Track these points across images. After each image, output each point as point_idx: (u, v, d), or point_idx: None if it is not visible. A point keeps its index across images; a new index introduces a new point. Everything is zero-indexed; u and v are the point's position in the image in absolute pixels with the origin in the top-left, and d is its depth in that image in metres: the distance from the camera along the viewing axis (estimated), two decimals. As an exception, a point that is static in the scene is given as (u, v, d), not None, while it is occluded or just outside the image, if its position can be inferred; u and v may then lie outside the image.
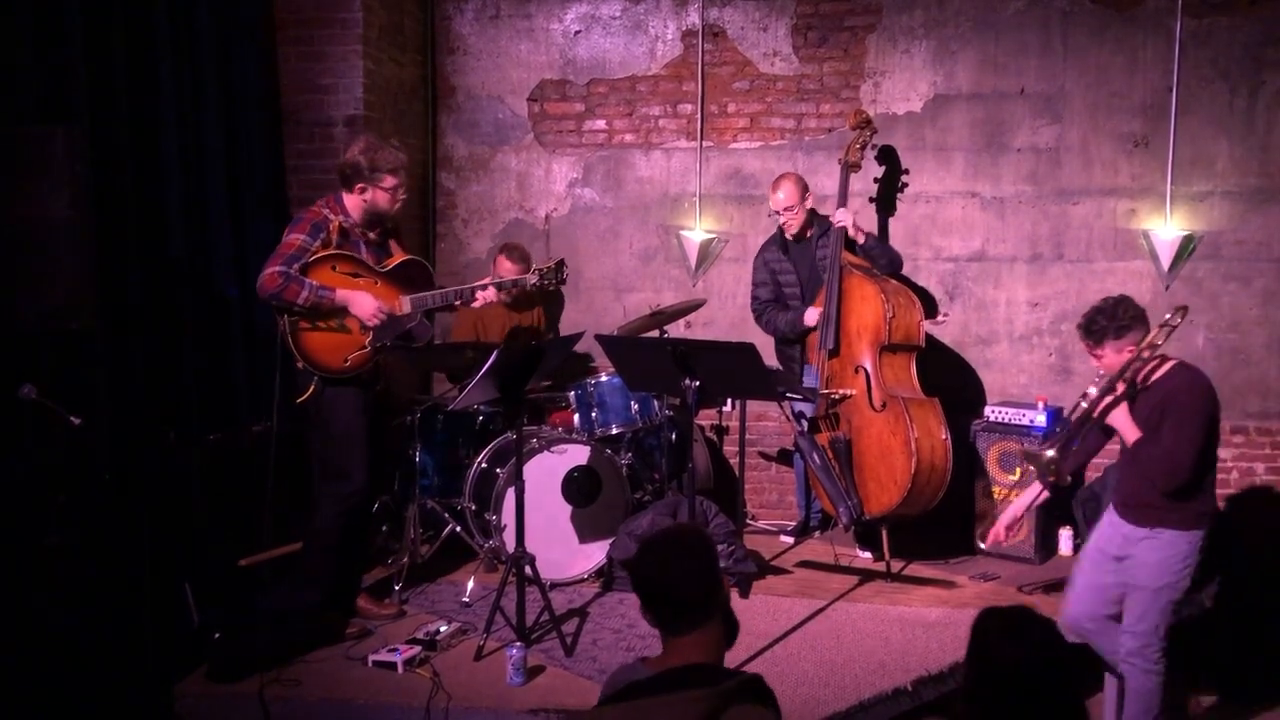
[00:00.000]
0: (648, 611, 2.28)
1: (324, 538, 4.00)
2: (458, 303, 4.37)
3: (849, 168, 5.15)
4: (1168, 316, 3.45)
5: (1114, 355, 3.43)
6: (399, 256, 4.15)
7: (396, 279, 4.09)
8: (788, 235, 5.12)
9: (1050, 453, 3.43)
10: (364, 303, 3.94)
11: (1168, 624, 3.50)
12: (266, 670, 3.65)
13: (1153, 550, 3.46)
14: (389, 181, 4.00)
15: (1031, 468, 3.74)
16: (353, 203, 4.03)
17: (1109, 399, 3.46)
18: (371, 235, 4.08)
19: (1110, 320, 3.42)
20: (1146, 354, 3.40)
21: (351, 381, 4.00)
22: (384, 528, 4.91)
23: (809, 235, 5.10)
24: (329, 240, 3.96)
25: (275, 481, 3.91)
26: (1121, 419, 3.47)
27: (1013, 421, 5.11)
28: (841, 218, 4.98)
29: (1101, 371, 3.50)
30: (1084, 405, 3.47)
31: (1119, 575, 3.54)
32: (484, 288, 4.30)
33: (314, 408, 3.99)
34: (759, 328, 5.28)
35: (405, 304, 4.06)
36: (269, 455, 3.98)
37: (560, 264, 4.44)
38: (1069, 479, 3.70)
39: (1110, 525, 3.60)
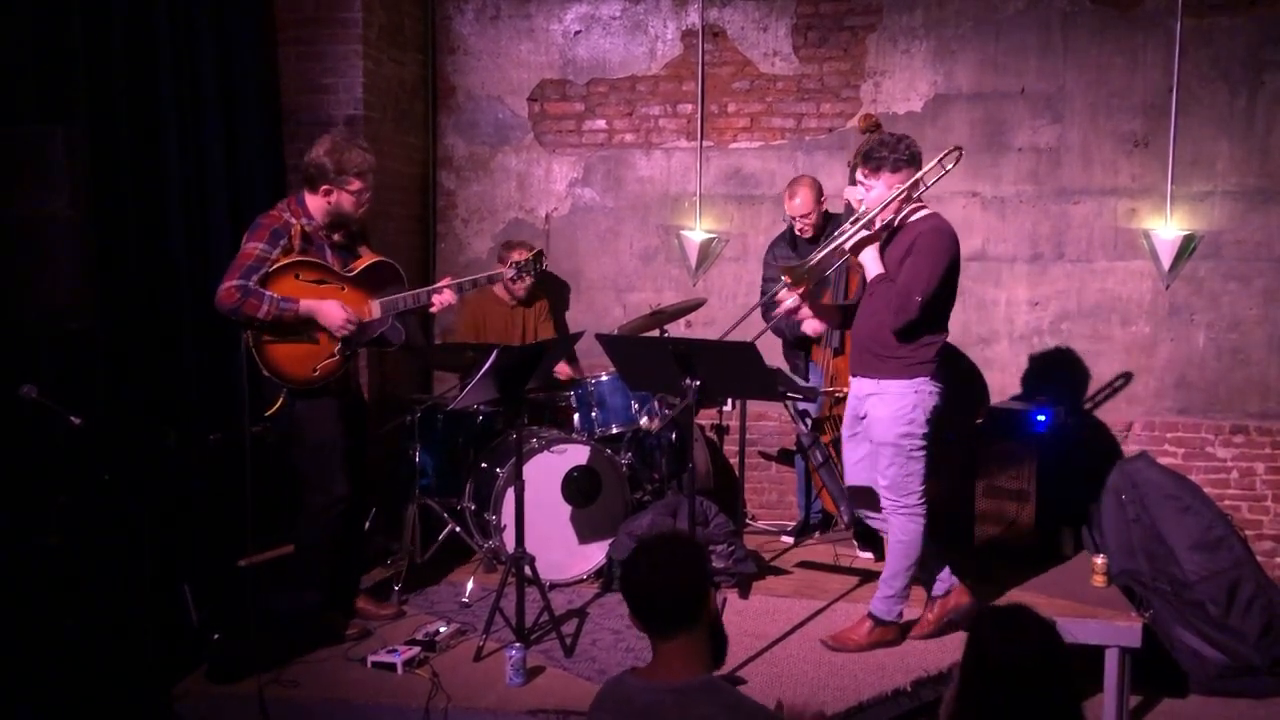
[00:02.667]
0: (635, 616, 2.29)
1: (312, 547, 3.94)
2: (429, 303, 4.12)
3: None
4: (941, 156, 3.65)
5: (883, 190, 3.65)
6: (367, 259, 3.98)
7: (365, 283, 3.92)
8: (802, 238, 5.12)
9: (816, 258, 3.67)
10: (332, 313, 3.77)
11: (921, 472, 3.67)
12: (266, 670, 3.64)
13: (881, 406, 3.68)
14: (355, 184, 3.81)
15: (787, 278, 3.92)
16: (316, 204, 3.84)
17: (863, 234, 3.66)
18: (336, 238, 3.91)
19: (891, 152, 3.64)
20: (914, 192, 3.64)
21: (322, 392, 3.86)
22: (366, 526, 4.81)
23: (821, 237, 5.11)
24: (290, 246, 3.77)
25: (256, 485, 3.80)
26: (869, 256, 3.68)
27: (1013, 421, 5.09)
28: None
29: (865, 205, 3.71)
30: (840, 238, 3.71)
31: (867, 436, 3.79)
32: (443, 290, 4.05)
33: (286, 420, 3.85)
34: (764, 322, 5.27)
35: (375, 308, 3.91)
36: (245, 462, 3.73)
37: (538, 255, 4.35)
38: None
39: (851, 389, 3.83)
